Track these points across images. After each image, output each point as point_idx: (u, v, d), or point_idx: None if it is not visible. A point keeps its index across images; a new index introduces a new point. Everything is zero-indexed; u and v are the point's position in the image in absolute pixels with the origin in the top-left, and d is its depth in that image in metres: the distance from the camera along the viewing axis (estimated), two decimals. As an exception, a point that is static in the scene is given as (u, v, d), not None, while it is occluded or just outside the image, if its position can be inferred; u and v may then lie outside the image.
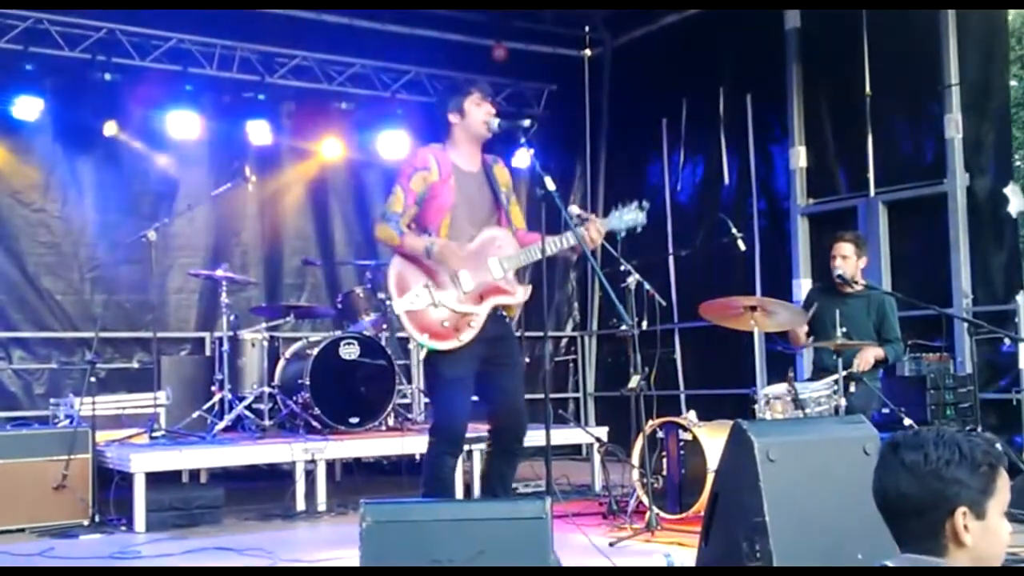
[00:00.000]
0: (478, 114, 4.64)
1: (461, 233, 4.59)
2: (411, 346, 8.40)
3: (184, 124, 8.89)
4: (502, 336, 4.65)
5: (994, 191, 7.36)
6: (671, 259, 9.40)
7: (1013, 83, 7.36)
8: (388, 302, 4.63)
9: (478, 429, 4.89)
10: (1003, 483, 2.01)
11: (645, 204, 4.74)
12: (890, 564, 1.99)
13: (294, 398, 7.21)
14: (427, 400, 8.02)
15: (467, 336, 4.53)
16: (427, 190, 4.57)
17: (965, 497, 1.96)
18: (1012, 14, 7.35)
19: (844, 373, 5.60)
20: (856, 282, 6.28)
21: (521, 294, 4.66)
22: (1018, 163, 9.42)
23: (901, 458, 2.00)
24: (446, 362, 4.50)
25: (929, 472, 1.96)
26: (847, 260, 6.29)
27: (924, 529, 1.98)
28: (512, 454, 4.71)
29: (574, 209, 4.64)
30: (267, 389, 7.39)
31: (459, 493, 5.82)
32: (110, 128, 8.67)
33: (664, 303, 5.79)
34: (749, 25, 8.72)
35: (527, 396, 4.77)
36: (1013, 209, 7.15)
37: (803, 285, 8.23)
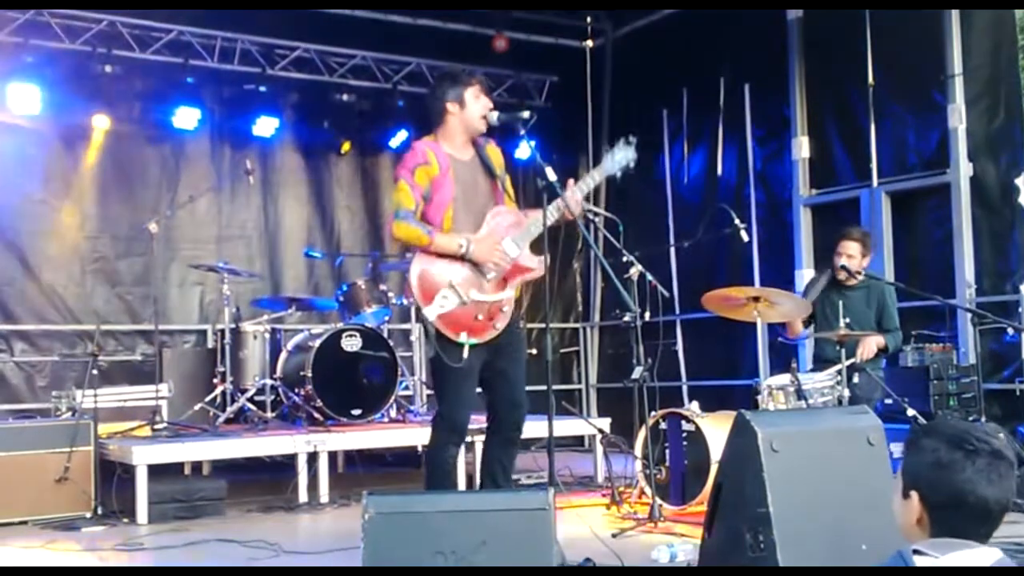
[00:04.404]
0: (476, 107, 4.60)
1: (463, 224, 4.55)
2: (413, 338, 8.39)
3: (185, 116, 8.89)
4: (507, 326, 4.63)
5: (1003, 180, 7.34)
6: (672, 250, 9.39)
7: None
8: (418, 310, 4.56)
9: (479, 420, 4.88)
10: None
11: (632, 139, 4.72)
12: (924, 549, 2.01)
13: (296, 390, 7.20)
14: (430, 392, 8.01)
15: (502, 323, 4.53)
16: (430, 185, 4.52)
17: None
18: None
19: (847, 363, 5.59)
20: (858, 274, 6.27)
21: (540, 267, 4.59)
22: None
23: (1018, 471, 2.11)
24: (456, 352, 4.47)
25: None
26: (852, 260, 6.26)
27: (992, 529, 2.05)
28: (510, 443, 4.70)
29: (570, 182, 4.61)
30: (269, 381, 7.39)
31: (462, 484, 5.81)
32: (108, 120, 8.67)
33: (667, 294, 5.77)
34: (751, 16, 8.68)
35: (530, 388, 4.75)
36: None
37: (805, 276, 8.22)
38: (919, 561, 1.99)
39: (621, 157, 4.71)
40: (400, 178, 4.56)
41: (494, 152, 4.75)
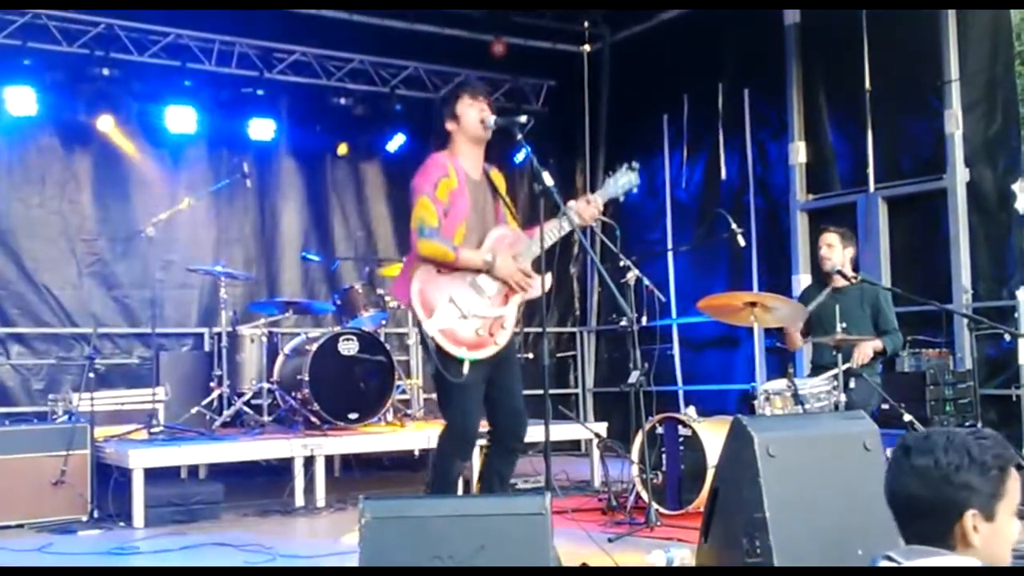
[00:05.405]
0: (472, 115, 4.56)
1: (473, 240, 4.54)
2: (410, 343, 8.40)
3: (182, 119, 8.89)
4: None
5: (1000, 185, 7.34)
6: (669, 255, 9.40)
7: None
8: (419, 324, 4.51)
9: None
10: (1013, 484, 2.02)
11: (635, 164, 4.76)
12: (894, 555, 1.99)
13: (293, 394, 7.20)
14: (427, 396, 8.01)
15: (503, 338, 4.50)
16: (449, 199, 4.49)
17: (975, 501, 1.96)
18: (1014, 11, 7.30)
19: (844, 368, 5.59)
20: (854, 277, 6.27)
21: (539, 288, 4.53)
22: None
23: (912, 462, 2.01)
24: (456, 368, 4.41)
25: (940, 477, 1.97)
26: (832, 248, 6.34)
27: (933, 530, 1.99)
28: (511, 453, 4.68)
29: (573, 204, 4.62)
30: (266, 385, 7.39)
31: (459, 489, 5.81)
32: (106, 123, 8.67)
33: (664, 299, 5.78)
34: (749, 20, 8.70)
35: (527, 392, 4.75)
36: (1021, 206, 7.13)
37: (802, 281, 8.22)
38: (883, 566, 1.99)
39: (625, 182, 4.73)
40: (422, 193, 4.46)
41: (497, 177, 4.76)
